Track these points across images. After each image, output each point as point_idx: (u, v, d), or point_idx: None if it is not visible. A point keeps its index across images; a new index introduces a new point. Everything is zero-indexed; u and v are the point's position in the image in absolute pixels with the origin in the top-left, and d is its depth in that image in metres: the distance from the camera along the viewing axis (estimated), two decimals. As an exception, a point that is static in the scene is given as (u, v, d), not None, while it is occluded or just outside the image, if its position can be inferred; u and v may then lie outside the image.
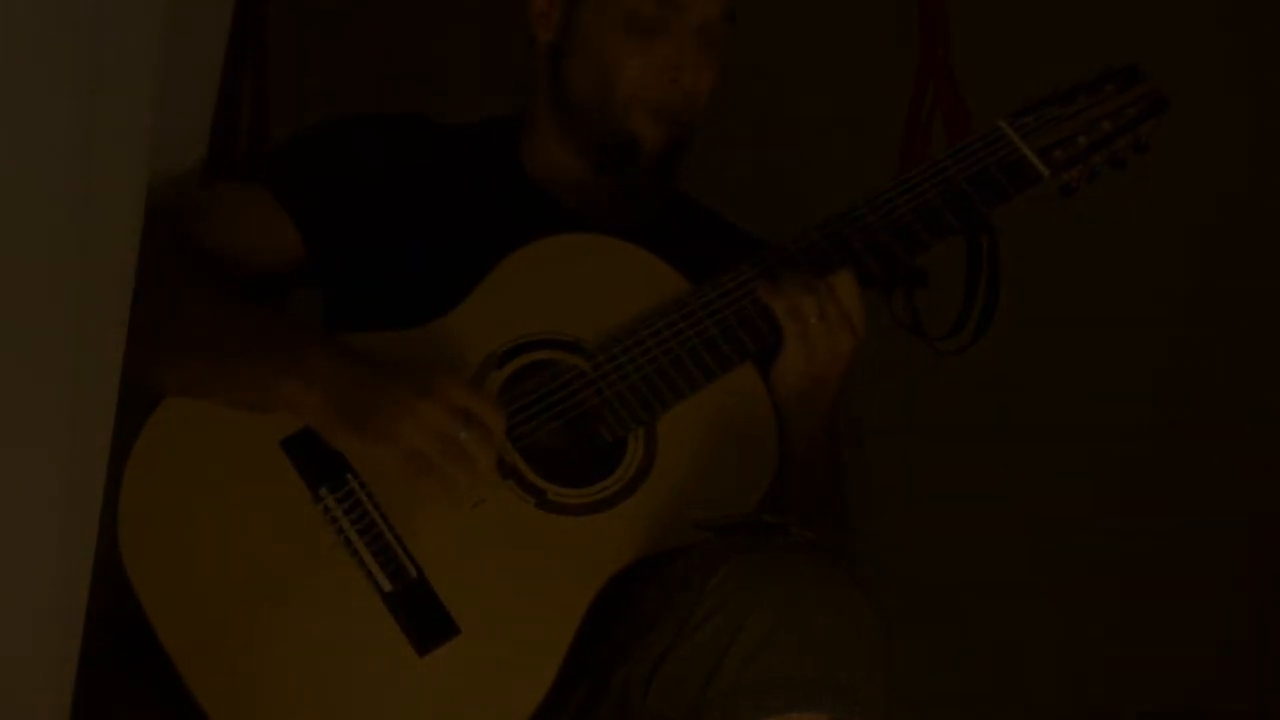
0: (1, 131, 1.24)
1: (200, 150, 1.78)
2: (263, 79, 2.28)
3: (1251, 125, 2.45)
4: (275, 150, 2.07)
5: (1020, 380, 2.45)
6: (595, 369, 1.67)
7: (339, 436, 1.58)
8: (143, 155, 1.37)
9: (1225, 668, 2.51)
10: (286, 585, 1.58)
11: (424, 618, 1.58)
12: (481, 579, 1.59)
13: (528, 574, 1.60)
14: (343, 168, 1.79)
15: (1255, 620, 2.51)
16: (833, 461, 1.77)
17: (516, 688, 1.56)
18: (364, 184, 1.78)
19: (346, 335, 1.66)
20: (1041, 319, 2.36)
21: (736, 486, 1.64)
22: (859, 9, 2.42)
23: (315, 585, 1.58)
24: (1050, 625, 2.51)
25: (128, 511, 1.58)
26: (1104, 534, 2.53)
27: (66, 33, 1.25)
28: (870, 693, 1.49)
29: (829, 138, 2.41)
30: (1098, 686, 2.53)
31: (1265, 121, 2.45)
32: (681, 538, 1.60)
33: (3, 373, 1.28)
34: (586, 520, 1.62)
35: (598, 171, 1.81)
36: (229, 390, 1.60)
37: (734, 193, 2.00)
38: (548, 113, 1.84)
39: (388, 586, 1.58)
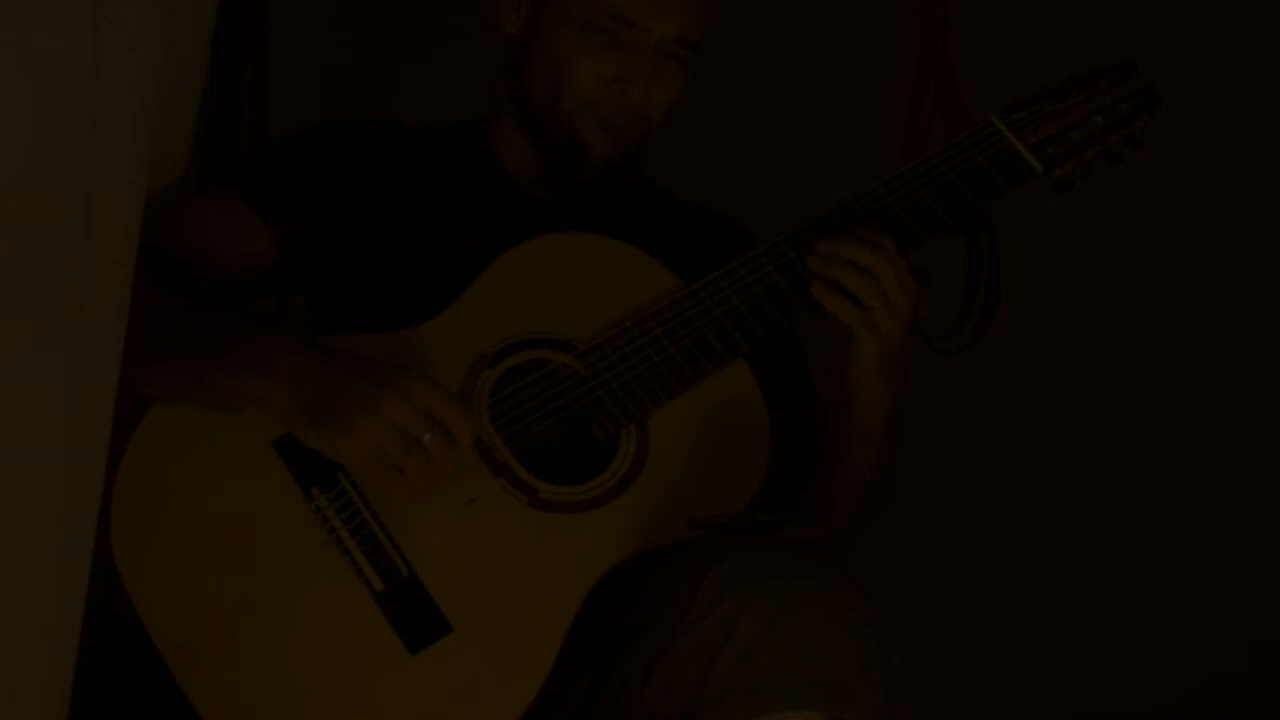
0: (2, 132, 1.25)
1: (183, 158, 1.78)
2: (263, 82, 2.29)
3: (1252, 125, 2.45)
4: (251, 158, 2.08)
5: (1020, 379, 2.45)
6: (587, 367, 1.67)
7: (302, 432, 1.59)
8: (144, 156, 1.38)
9: (1225, 670, 2.51)
10: (279, 585, 1.58)
11: (416, 616, 1.58)
12: (474, 577, 1.59)
13: (520, 572, 1.60)
14: (321, 174, 1.79)
15: (1257, 622, 2.51)
16: (895, 427, 1.76)
17: (509, 686, 1.56)
18: (343, 189, 1.79)
19: (335, 338, 1.65)
20: (1042, 318, 2.36)
21: (729, 484, 1.65)
22: (859, 8, 2.42)
23: (308, 585, 1.58)
24: (1053, 625, 2.51)
25: (121, 514, 1.59)
26: (1106, 534, 2.53)
27: (68, 34, 1.26)
28: (868, 692, 1.49)
29: (829, 137, 2.41)
30: (1100, 686, 2.53)
31: (1265, 120, 2.44)
32: (674, 535, 1.60)
33: (2, 373, 1.28)
34: (579, 518, 1.62)
35: (548, 171, 1.83)
36: (201, 392, 1.61)
37: (733, 191, 2.00)
38: (508, 105, 1.85)
39: (380, 585, 1.58)
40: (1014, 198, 1.73)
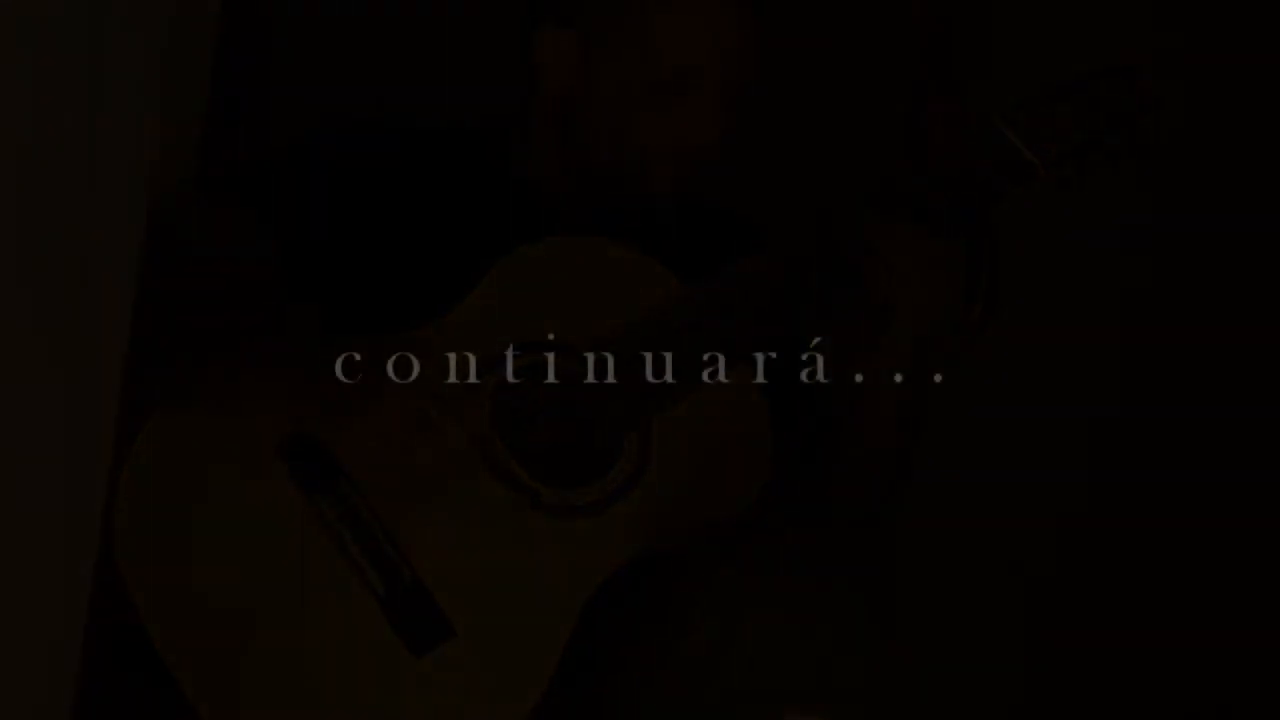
0: (2, 134, 1.25)
1: (190, 161, 1.79)
2: (263, 91, 2.29)
3: (1249, 125, 2.45)
4: (256, 164, 2.09)
5: (1020, 380, 2.45)
6: (590, 372, 1.67)
7: (313, 423, 1.60)
8: (144, 157, 1.38)
9: (1225, 670, 2.52)
10: (282, 589, 1.58)
11: (419, 620, 1.58)
12: (476, 581, 1.60)
13: (522, 576, 1.60)
14: (328, 180, 1.79)
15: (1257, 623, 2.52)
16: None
17: (512, 690, 1.57)
18: (349, 197, 1.79)
19: (339, 338, 1.66)
20: (1041, 318, 2.37)
21: (731, 489, 1.65)
22: (859, 7, 2.43)
23: (311, 589, 1.58)
24: (1055, 626, 2.52)
25: (124, 517, 1.58)
26: (1105, 534, 2.53)
27: (68, 37, 1.26)
28: (872, 695, 1.50)
29: (828, 139, 2.42)
30: (1099, 686, 2.53)
31: (1262, 121, 2.45)
32: (676, 540, 1.61)
33: (4, 377, 1.28)
34: (581, 522, 1.62)
35: (593, 201, 1.80)
36: (209, 389, 1.61)
37: (730, 193, 2.00)
38: (553, 147, 1.81)
39: (382, 590, 1.58)
40: (1012, 197, 1.74)
